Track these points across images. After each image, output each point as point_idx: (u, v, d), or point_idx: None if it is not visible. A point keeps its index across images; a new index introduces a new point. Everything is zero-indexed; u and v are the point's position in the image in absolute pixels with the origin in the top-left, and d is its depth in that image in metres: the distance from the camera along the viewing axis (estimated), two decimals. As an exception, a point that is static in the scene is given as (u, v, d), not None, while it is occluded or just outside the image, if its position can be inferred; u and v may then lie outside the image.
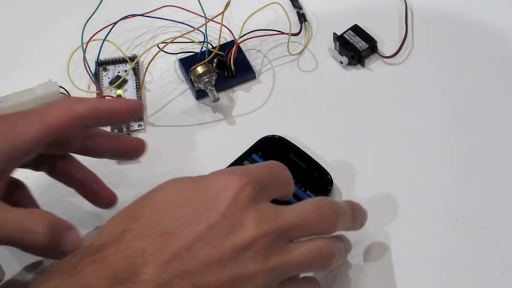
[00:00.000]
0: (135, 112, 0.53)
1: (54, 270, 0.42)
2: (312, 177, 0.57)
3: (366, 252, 0.54)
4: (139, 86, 0.65)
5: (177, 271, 0.42)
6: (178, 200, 0.45)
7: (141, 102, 0.53)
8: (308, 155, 0.58)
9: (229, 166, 0.58)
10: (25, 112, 0.50)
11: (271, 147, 0.59)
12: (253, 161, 0.58)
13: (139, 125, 0.63)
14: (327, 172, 0.57)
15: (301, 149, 0.59)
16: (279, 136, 0.60)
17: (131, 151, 0.55)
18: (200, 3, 0.65)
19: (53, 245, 0.46)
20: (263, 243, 0.45)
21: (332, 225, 0.48)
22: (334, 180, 0.57)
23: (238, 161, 0.58)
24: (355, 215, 0.51)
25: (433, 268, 0.53)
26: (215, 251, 0.43)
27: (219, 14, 0.63)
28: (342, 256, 0.50)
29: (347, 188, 0.58)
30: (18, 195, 0.53)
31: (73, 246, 0.47)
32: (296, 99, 0.65)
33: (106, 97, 0.64)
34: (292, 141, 0.60)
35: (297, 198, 0.56)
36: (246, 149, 0.59)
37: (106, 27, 0.66)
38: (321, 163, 0.58)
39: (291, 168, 0.57)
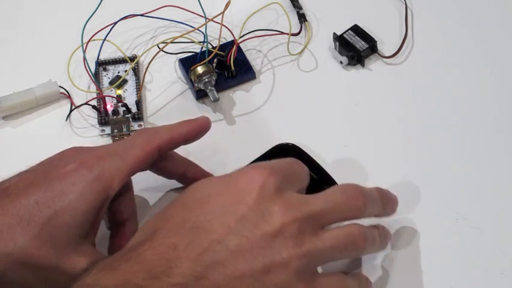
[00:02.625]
0: (205, 129, 0.55)
1: (92, 269, 0.44)
2: (322, 189, 0.57)
3: (367, 255, 0.55)
4: (139, 86, 0.65)
5: (209, 263, 0.43)
6: (206, 197, 0.46)
7: (208, 118, 0.56)
8: (320, 166, 0.58)
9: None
10: (106, 154, 0.51)
11: (285, 156, 0.59)
12: None
13: (139, 125, 0.63)
14: (337, 184, 0.57)
15: (313, 159, 0.58)
16: (293, 144, 0.59)
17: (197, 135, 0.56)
18: (200, 3, 0.65)
19: None
20: (293, 229, 0.45)
21: (361, 208, 0.48)
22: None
23: None
24: (385, 200, 0.51)
25: (433, 268, 0.53)
26: (246, 240, 0.44)
27: (219, 14, 0.63)
28: (376, 242, 0.50)
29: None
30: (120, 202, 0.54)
31: None
32: (296, 99, 0.65)
33: (106, 97, 0.64)
34: (293, 142, 0.59)
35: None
36: (246, 149, 0.59)
37: (106, 27, 0.66)
38: (328, 170, 0.57)
39: None
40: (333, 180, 0.57)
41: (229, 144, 0.61)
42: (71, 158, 0.51)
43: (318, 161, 0.58)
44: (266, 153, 0.59)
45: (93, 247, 0.50)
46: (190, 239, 0.44)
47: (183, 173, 0.57)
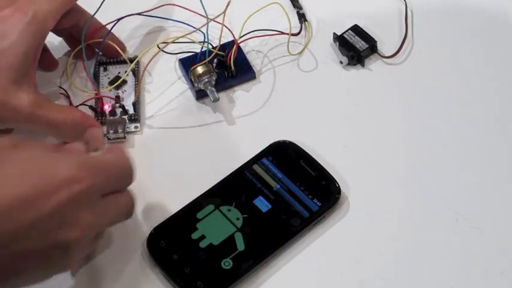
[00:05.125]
0: None
1: None
2: (320, 186, 0.57)
3: (365, 250, 0.55)
4: (137, 87, 0.65)
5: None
6: (25, 166, 0.46)
7: None
8: (318, 163, 0.58)
9: (239, 168, 0.58)
10: None
11: (282, 153, 0.59)
12: (263, 166, 0.58)
13: (136, 127, 0.62)
14: (335, 181, 0.57)
15: (311, 156, 0.58)
16: (290, 142, 0.60)
17: None
18: (202, 3, 0.65)
19: (77, 138, 0.54)
20: (78, 245, 0.47)
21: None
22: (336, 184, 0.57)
23: (248, 164, 0.58)
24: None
25: (432, 268, 0.53)
26: (32, 244, 0.44)
27: (220, 14, 0.63)
28: None
29: (350, 189, 0.58)
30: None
31: (93, 141, 0.55)
32: (296, 99, 0.64)
33: (104, 97, 0.64)
34: (295, 142, 0.59)
35: (303, 205, 0.56)
36: (246, 149, 0.59)
37: (107, 24, 0.66)
38: (328, 170, 0.58)
39: (300, 174, 0.57)
40: (331, 176, 0.57)
41: (229, 145, 0.61)
42: (5, 4, 0.56)
43: (317, 160, 0.58)
44: (263, 150, 0.59)
45: (34, 86, 0.56)
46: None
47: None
